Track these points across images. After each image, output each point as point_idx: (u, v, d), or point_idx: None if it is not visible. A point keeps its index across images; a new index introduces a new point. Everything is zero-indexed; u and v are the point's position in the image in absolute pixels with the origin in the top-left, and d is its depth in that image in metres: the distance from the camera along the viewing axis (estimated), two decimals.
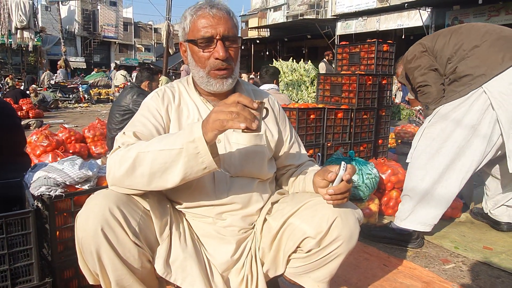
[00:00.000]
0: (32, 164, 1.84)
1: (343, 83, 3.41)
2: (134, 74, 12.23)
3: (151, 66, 5.41)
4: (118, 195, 1.05)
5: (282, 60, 10.01)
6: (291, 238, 1.14)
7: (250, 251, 1.22)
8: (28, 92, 10.18)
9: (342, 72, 3.65)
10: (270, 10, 26.68)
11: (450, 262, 1.95)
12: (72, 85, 13.08)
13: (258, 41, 24.90)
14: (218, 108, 0.93)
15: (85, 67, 28.35)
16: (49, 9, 28.69)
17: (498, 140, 1.95)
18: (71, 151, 4.17)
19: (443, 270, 1.87)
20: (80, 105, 11.66)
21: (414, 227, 2.07)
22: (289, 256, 1.18)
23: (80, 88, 12.98)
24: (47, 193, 1.47)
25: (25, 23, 13.10)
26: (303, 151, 1.41)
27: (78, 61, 29.02)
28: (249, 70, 22.31)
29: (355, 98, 3.27)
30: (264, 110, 0.98)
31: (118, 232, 1.00)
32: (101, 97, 13.60)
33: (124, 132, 1.13)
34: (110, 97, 13.37)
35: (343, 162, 1.07)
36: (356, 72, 3.42)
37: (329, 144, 3.10)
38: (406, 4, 12.93)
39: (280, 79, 8.14)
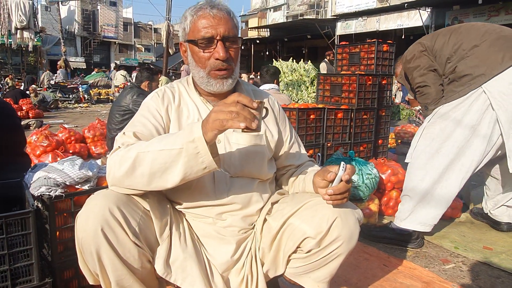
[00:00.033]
0: (32, 164, 1.84)
1: (343, 83, 3.41)
2: (134, 74, 12.22)
3: (151, 66, 5.41)
4: (118, 195, 1.05)
5: (282, 60, 9.99)
6: (291, 238, 1.14)
7: (250, 251, 1.22)
8: (28, 92, 10.18)
9: (342, 72, 3.65)
10: (270, 10, 26.68)
11: (450, 262, 1.95)
12: (72, 85, 13.06)
13: (258, 41, 24.87)
14: (217, 107, 0.93)
15: (85, 67, 28.33)
16: (49, 9, 28.69)
17: (498, 140, 1.95)
18: (71, 151, 4.17)
19: (443, 270, 1.87)
20: (80, 105, 11.65)
21: (414, 227, 2.07)
22: (289, 256, 1.18)
23: (80, 88, 12.97)
24: (47, 193, 1.48)
25: (25, 23, 13.09)
26: (303, 151, 1.41)
27: (78, 61, 29.00)
28: (249, 70, 22.30)
29: (355, 98, 3.27)
30: (264, 110, 0.98)
31: (118, 232, 1.00)
32: (101, 97, 13.59)
33: (124, 132, 1.13)
34: (110, 97, 13.36)
35: (342, 162, 1.06)
36: (356, 72, 3.42)
37: (329, 144, 3.10)
38: (406, 4, 12.92)
39: (280, 79, 8.13)
